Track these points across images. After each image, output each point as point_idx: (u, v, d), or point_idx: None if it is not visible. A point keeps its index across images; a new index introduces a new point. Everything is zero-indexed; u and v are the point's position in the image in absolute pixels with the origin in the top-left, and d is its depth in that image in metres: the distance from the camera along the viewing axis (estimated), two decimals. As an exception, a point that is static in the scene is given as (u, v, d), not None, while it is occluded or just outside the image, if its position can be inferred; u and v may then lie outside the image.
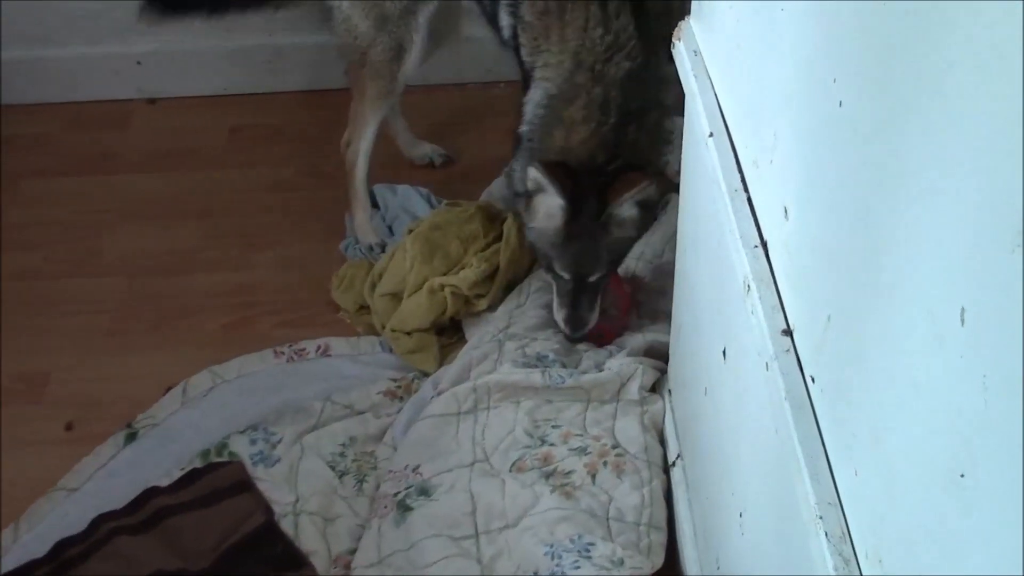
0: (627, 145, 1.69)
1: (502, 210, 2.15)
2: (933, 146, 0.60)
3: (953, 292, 0.57)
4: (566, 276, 1.82)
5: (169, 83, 2.74)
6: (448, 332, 2.07)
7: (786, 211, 0.88)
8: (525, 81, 1.84)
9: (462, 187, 2.39)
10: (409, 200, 2.28)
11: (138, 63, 2.72)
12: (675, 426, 1.66)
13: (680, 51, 1.24)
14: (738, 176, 1.03)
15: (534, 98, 1.76)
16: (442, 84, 2.68)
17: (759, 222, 0.98)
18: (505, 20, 1.84)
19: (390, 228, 2.27)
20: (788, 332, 0.89)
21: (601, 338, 1.91)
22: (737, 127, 1.07)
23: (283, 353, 2.04)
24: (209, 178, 2.53)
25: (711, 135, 1.10)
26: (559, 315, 1.88)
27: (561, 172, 1.67)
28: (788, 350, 0.87)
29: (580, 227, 1.73)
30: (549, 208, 1.72)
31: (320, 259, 2.27)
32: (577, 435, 1.71)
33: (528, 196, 1.77)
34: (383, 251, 2.23)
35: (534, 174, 1.67)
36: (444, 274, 2.02)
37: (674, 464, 1.64)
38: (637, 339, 1.88)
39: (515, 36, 1.82)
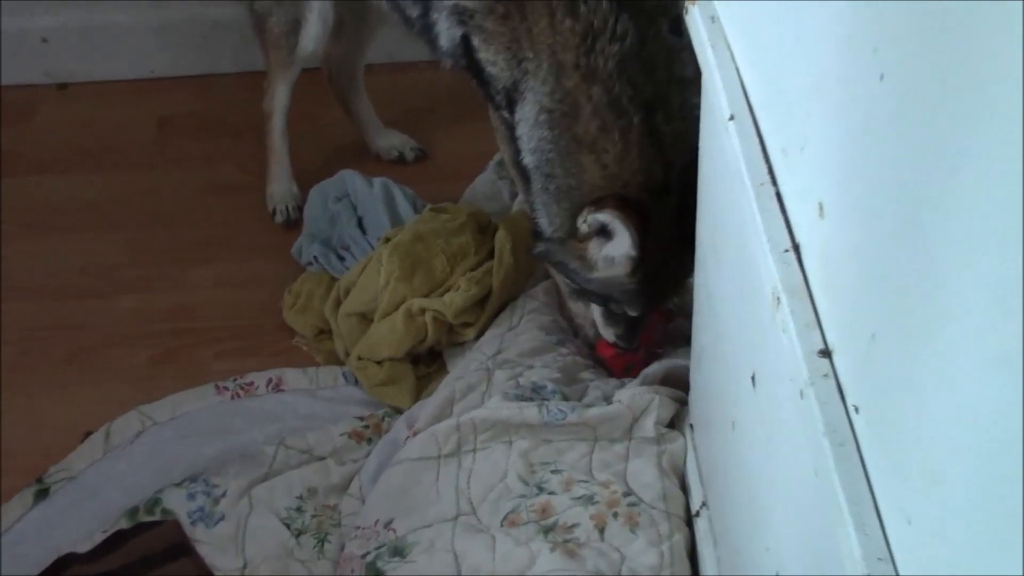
0: (670, 142, 1.68)
1: (492, 219, 2.17)
2: (997, 125, 0.60)
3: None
4: (635, 313, 1.85)
5: (83, 65, 2.74)
6: (425, 361, 2.09)
7: (821, 208, 0.88)
8: (490, 98, 1.85)
9: (438, 186, 2.40)
10: (389, 198, 2.30)
11: (44, 40, 2.71)
12: (699, 468, 1.66)
13: (694, 17, 1.25)
14: (764, 166, 1.03)
15: (526, 117, 1.74)
16: (413, 61, 2.70)
17: (790, 221, 0.98)
18: (445, 29, 1.84)
19: (360, 225, 2.28)
20: (826, 353, 0.89)
21: (629, 370, 1.93)
22: (763, 108, 1.08)
23: (226, 388, 2.05)
24: (133, 180, 2.54)
25: (732, 118, 1.10)
26: (608, 331, 1.91)
27: (634, 213, 1.65)
28: (826, 375, 0.87)
29: (659, 261, 1.72)
30: (615, 256, 1.70)
31: (269, 274, 2.28)
32: (582, 481, 1.71)
33: (566, 241, 1.75)
34: (299, 215, 2.33)
35: (606, 219, 1.64)
36: (426, 295, 2.04)
37: (698, 514, 1.63)
38: (653, 366, 1.88)
39: (467, 50, 1.81)
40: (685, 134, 1.64)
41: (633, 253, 1.67)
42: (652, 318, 1.92)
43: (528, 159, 1.77)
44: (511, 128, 1.80)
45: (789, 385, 0.92)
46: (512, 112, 1.79)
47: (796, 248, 0.97)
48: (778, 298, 0.95)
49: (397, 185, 2.33)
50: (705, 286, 1.48)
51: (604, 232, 1.67)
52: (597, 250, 1.70)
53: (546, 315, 2.09)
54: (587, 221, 1.66)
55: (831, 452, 0.83)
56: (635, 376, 1.89)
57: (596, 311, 1.93)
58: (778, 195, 1.02)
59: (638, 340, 1.91)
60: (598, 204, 1.65)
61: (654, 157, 1.66)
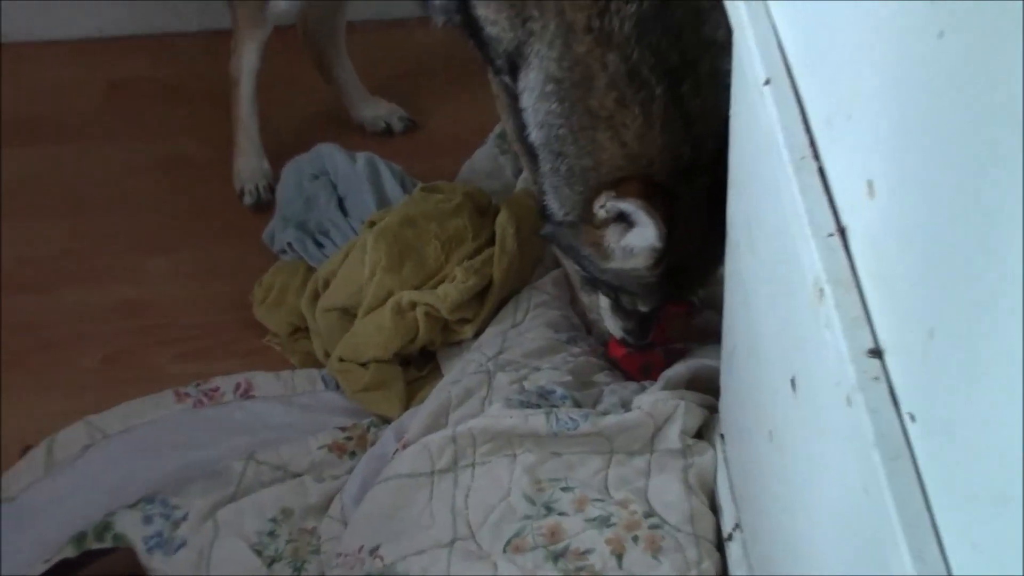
0: (698, 116, 1.67)
1: (492, 200, 2.17)
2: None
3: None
4: (647, 309, 1.85)
5: (21, 22, 2.73)
6: (417, 363, 2.10)
7: (871, 185, 0.88)
8: (490, 63, 1.85)
9: (431, 162, 2.41)
10: (375, 176, 2.31)
11: (-25, -5, 2.71)
12: (731, 485, 1.67)
13: (724, -33, 1.25)
14: (805, 138, 1.03)
15: (532, 86, 1.74)
16: (401, 19, 2.71)
17: (835, 201, 0.98)
18: None
19: (341, 207, 2.29)
20: (877, 353, 0.89)
21: (647, 371, 1.94)
22: (804, 71, 1.07)
23: (187, 395, 2.06)
24: (79, 154, 2.54)
25: (767, 82, 1.10)
26: (616, 326, 1.92)
27: (660, 198, 1.64)
28: (877, 378, 0.87)
29: (685, 252, 1.72)
30: (635, 247, 1.70)
31: (236, 263, 2.29)
32: (596, 500, 1.71)
33: (579, 226, 1.75)
34: (270, 195, 2.35)
35: (628, 207, 1.64)
36: (417, 287, 2.05)
37: (730, 538, 1.64)
38: (677, 367, 1.89)
39: (463, 5, 1.81)
40: (716, 107, 1.63)
41: (658, 245, 1.67)
42: (668, 311, 1.93)
43: (535, 135, 1.76)
44: (514, 97, 1.80)
45: (834, 390, 0.93)
46: (515, 79, 1.79)
47: (842, 232, 0.97)
48: (821, 289, 0.95)
49: (383, 161, 2.33)
50: (738, 275, 1.48)
51: (624, 219, 1.67)
52: (615, 239, 1.70)
53: (555, 310, 2.09)
54: (605, 207, 1.66)
55: (883, 467, 0.83)
56: (655, 378, 1.90)
57: (602, 301, 1.94)
58: (821, 171, 1.02)
59: (649, 337, 1.92)
60: (619, 188, 1.64)
61: (681, 133, 1.66)
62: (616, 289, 1.85)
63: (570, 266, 2.03)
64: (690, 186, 1.67)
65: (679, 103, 1.66)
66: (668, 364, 1.92)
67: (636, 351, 1.95)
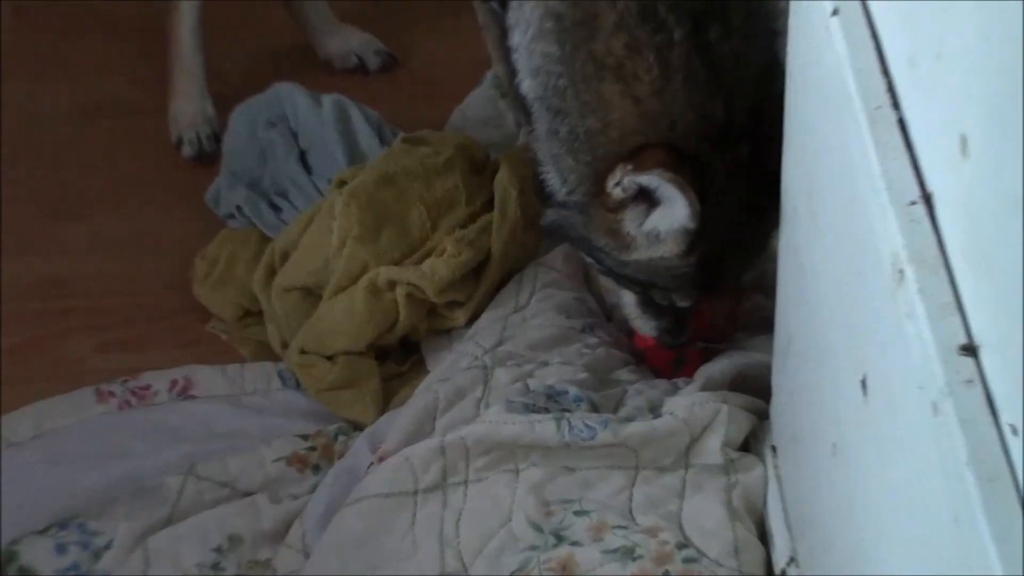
0: (730, 67, 1.66)
1: (490, 154, 2.17)
2: None
3: None
4: (686, 304, 1.85)
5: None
6: (396, 356, 2.10)
7: (965, 142, 0.88)
8: None
9: (414, 107, 2.42)
10: (345, 124, 2.30)
11: None
12: (784, 509, 1.67)
13: None
14: (883, 83, 1.03)
15: (527, 20, 1.73)
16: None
17: (918, 162, 0.98)
18: None
19: (303, 161, 2.29)
20: (970, 349, 0.88)
21: (680, 365, 1.94)
22: (881, -2, 1.07)
23: (112, 394, 2.06)
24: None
25: (835, 12, 1.10)
26: (646, 325, 1.93)
27: (689, 170, 1.63)
28: (971, 380, 0.87)
29: (724, 234, 1.72)
30: (662, 231, 1.70)
31: (173, 231, 2.30)
32: (618, 527, 1.71)
33: (589, 208, 1.75)
34: (215, 146, 2.35)
35: (651, 182, 1.63)
36: (398, 262, 2.05)
37: (784, 574, 1.64)
38: (719, 362, 1.89)
39: None
40: (753, 56, 1.64)
41: (691, 226, 1.66)
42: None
43: (527, 84, 1.76)
44: (505, 32, 1.80)
45: (917, 394, 0.92)
46: (505, 7, 1.78)
47: (927, 199, 0.96)
48: (901, 270, 0.95)
49: (356, 105, 2.32)
50: (795, 252, 1.47)
51: (646, 198, 1.66)
52: (636, 223, 1.70)
53: (567, 291, 2.09)
54: (622, 184, 1.65)
55: (977, 490, 0.82)
56: (690, 375, 1.90)
57: (627, 298, 1.93)
58: (901, 124, 1.01)
59: (688, 333, 1.92)
60: (638, 158, 1.63)
61: (709, 88, 1.65)
62: (643, 284, 1.85)
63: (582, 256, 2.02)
64: (724, 154, 1.66)
65: (705, 51, 1.65)
66: (707, 358, 1.92)
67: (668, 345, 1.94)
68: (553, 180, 1.78)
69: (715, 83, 1.65)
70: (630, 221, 1.70)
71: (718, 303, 1.97)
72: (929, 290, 0.92)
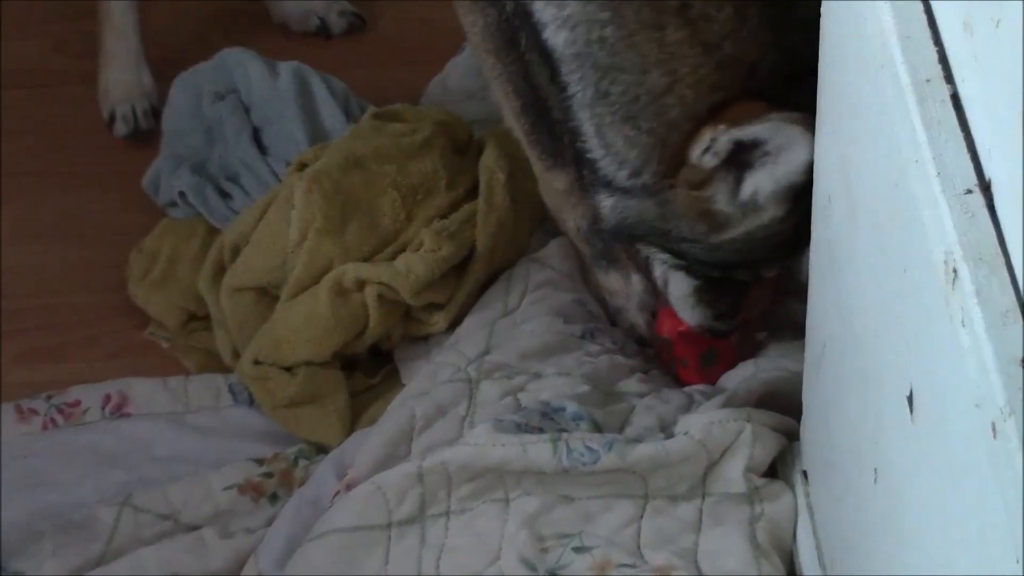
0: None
1: (474, 132, 2.17)
2: None
3: None
4: (771, 273, 1.87)
5: None
6: (365, 367, 2.11)
7: (1030, 121, 0.88)
8: None
9: (385, 76, 2.41)
10: (306, 97, 2.30)
11: None
12: (817, 544, 1.67)
13: None
14: (933, 52, 1.03)
15: None
16: None
17: (975, 144, 0.98)
18: None
19: (257, 140, 2.29)
20: (1035, 361, 0.89)
21: (711, 361, 1.96)
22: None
23: (35, 412, 2.05)
24: None
25: (878, -30, 1.11)
26: (701, 313, 1.92)
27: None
28: (1036, 396, 0.87)
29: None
30: (763, 193, 1.70)
31: (106, 221, 2.30)
32: (625, 565, 1.72)
33: (666, 191, 1.74)
34: (154, 123, 2.34)
35: (765, 132, 1.62)
36: (367, 258, 2.05)
37: (816, 620, 1.64)
38: (744, 370, 1.90)
39: None
40: None
41: (802, 178, 1.64)
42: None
43: (559, 37, 1.74)
44: None
45: (973, 413, 0.93)
46: None
47: (985, 188, 0.97)
48: (954, 269, 0.95)
49: (318, 74, 2.32)
50: (829, 249, 1.48)
51: (736, 163, 1.66)
52: (730, 194, 1.71)
53: (564, 291, 2.09)
54: (714, 148, 1.66)
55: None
56: (718, 374, 1.92)
57: (680, 285, 1.92)
58: (955, 99, 1.02)
59: (741, 315, 1.93)
60: (728, 116, 1.64)
61: (788, 18, 1.66)
62: (732, 266, 1.85)
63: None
64: (804, 95, 1.61)
65: None
66: (739, 356, 1.94)
67: (704, 335, 1.95)
68: (605, 161, 1.78)
69: (792, 13, 1.66)
70: (723, 194, 1.71)
71: (764, 291, 1.97)
72: (987, 293, 0.92)
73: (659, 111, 1.69)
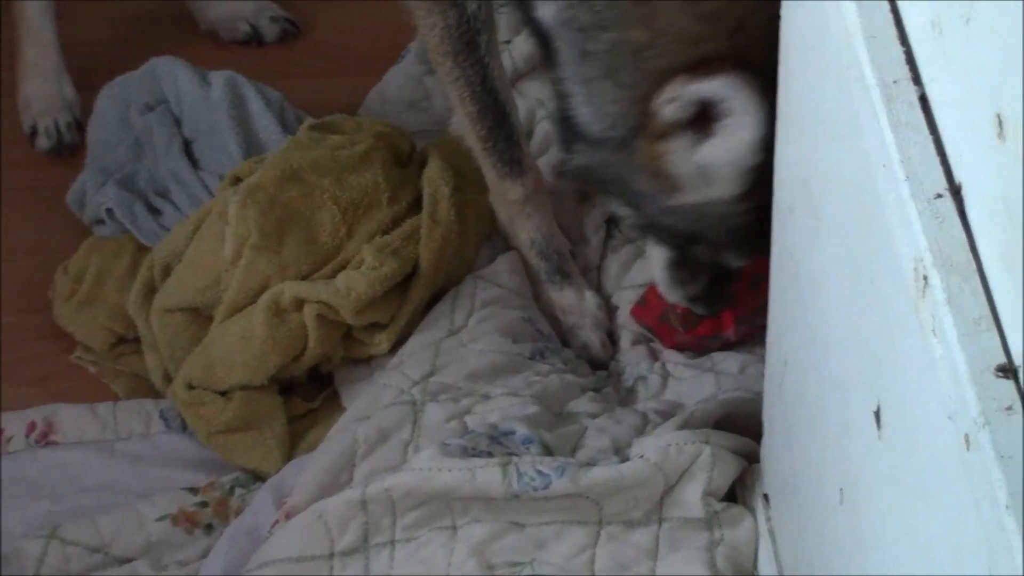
0: None
1: (416, 144, 2.17)
2: None
3: None
4: (741, 262, 1.87)
5: None
6: (304, 391, 2.10)
7: (1001, 123, 0.89)
8: None
9: (323, 86, 2.40)
10: (240, 108, 2.29)
11: None
12: (779, 570, 1.68)
13: None
14: (900, 52, 1.04)
15: None
16: None
17: (944, 147, 0.99)
18: None
19: (189, 153, 2.28)
20: (1010, 371, 0.89)
21: (715, 335, 1.98)
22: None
23: (-46, 440, 2.03)
24: None
25: (842, -33, 1.11)
26: (676, 291, 1.96)
27: (760, 85, 1.61)
28: (1011, 408, 0.88)
29: None
30: (715, 164, 1.70)
31: (27, 239, 2.29)
32: (578, 595, 1.72)
33: (630, 142, 1.75)
34: (79, 136, 2.33)
35: (714, 91, 1.62)
36: (306, 276, 2.05)
37: (781, 650, 1.65)
38: (702, 383, 1.92)
39: None
40: None
41: (752, 159, 1.66)
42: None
43: (548, 8, 1.75)
44: None
45: (945, 426, 0.93)
46: None
47: (956, 193, 0.97)
48: (925, 277, 0.96)
49: (252, 83, 2.32)
50: (791, 259, 1.48)
51: (701, 125, 1.67)
52: (686, 155, 1.71)
53: (513, 309, 2.09)
54: (677, 98, 1.66)
55: (1020, 540, 0.83)
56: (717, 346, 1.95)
57: (659, 256, 1.94)
58: (924, 101, 1.02)
59: (726, 302, 1.94)
60: (698, 69, 1.63)
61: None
62: (687, 238, 1.86)
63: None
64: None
65: None
66: (740, 338, 1.97)
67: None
68: (586, 114, 1.78)
69: None
70: (679, 153, 1.71)
71: (741, 288, 1.98)
72: (959, 300, 0.93)
73: (639, 65, 1.70)
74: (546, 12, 1.74)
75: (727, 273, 1.89)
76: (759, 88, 1.60)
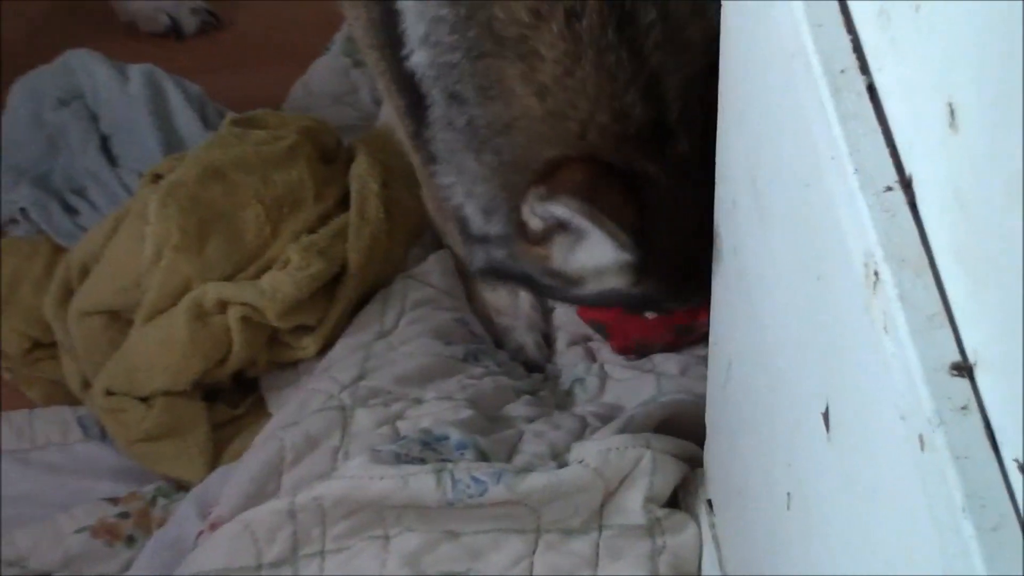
0: (658, 43, 1.64)
1: (342, 139, 2.16)
2: None
3: None
4: (675, 309, 1.89)
5: None
6: (229, 397, 2.10)
7: (952, 112, 0.88)
8: None
9: (243, 79, 2.39)
10: (159, 103, 2.29)
11: None
12: (724, 578, 1.67)
13: None
14: (847, 40, 1.04)
15: None
16: None
17: (894, 138, 0.99)
18: None
19: (107, 150, 2.26)
20: (964, 368, 0.89)
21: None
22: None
23: None
24: None
25: (785, -50, 1.11)
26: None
27: (616, 188, 1.62)
28: (965, 407, 0.88)
29: (682, 250, 1.70)
30: (601, 264, 1.70)
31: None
32: (516, 605, 1.72)
33: (513, 241, 1.75)
34: None
35: (563, 213, 1.62)
36: (229, 277, 2.04)
37: (725, 660, 1.65)
38: (641, 385, 1.93)
39: None
40: (683, 24, 1.62)
41: (628, 258, 1.66)
42: None
43: (418, 57, 1.73)
44: None
45: (897, 426, 0.93)
46: None
47: (906, 185, 0.97)
48: (875, 272, 0.96)
49: (172, 77, 2.32)
50: (735, 256, 1.48)
51: (568, 228, 1.66)
52: (567, 255, 1.70)
53: (444, 310, 2.09)
54: (536, 211, 1.65)
55: (977, 543, 0.83)
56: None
57: None
58: (871, 90, 1.02)
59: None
60: (552, 180, 1.62)
61: (627, 72, 1.63)
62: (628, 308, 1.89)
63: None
64: (662, 156, 1.65)
65: (623, 20, 1.63)
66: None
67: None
68: (466, 205, 1.78)
69: (636, 63, 1.63)
70: (560, 256, 1.70)
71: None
72: (911, 297, 0.93)
73: (496, 148, 1.70)
74: (420, 64, 1.72)
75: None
76: (610, 202, 1.59)
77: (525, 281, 1.84)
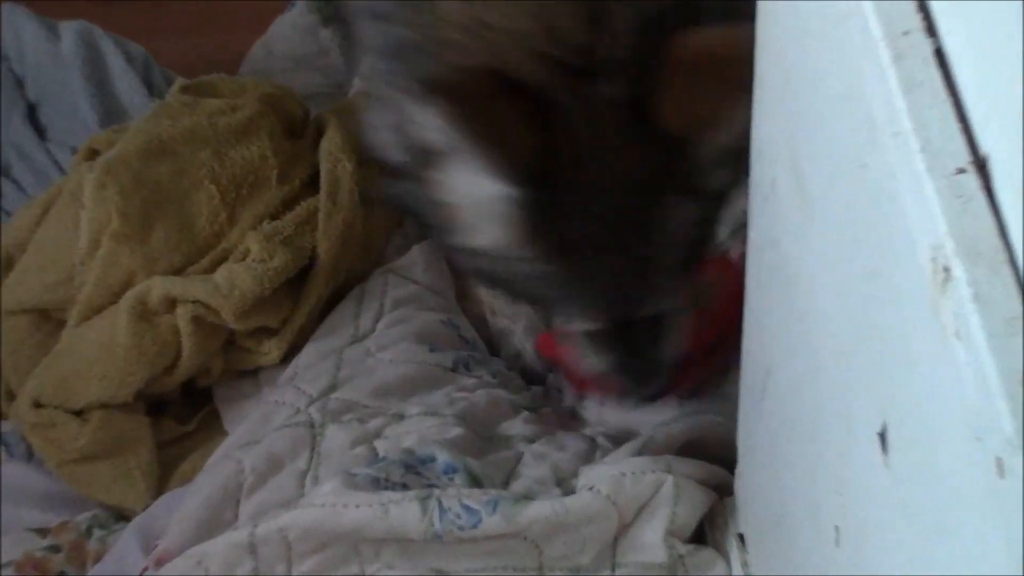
0: None
1: (310, 108, 2.17)
2: None
3: None
4: (592, 326, 1.86)
5: None
6: (178, 411, 2.10)
7: (1039, 81, 0.89)
8: None
9: (194, 39, 2.40)
10: (97, 66, 2.30)
11: None
12: (759, 626, 1.68)
13: None
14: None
15: None
16: None
17: (966, 113, 0.99)
18: None
19: (33, 120, 2.29)
20: (1050, 381, 0.90)
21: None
22: None
23: None
24: None
25: None
26: (591, 360, 1.92)
27: (511, 111, 1.62)
28: (1052, 425, 0.88)
29: (588, 224, 1.70)
30: (474, 200, 1.70)
31: None
32: (513, 657, 1.73)
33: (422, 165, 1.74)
34: None
35: (437, 123, 1.61)
36: (179, 270, 2.05)
37: None
38: (664, 410, 1.93)
39: None
40: None
41: (510, 192, 1.64)
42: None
43: None
44: None
45: (971, 448, 0.93)
46: None
47: (981, 166, 0.98)
48: (945, 268, 0.96)
49: (111, 37, 2.32)
50: (773, 248, 1.49)
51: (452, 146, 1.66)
52: (445, 180, 1.70)
53: (431, 310, 2.10)
54: (416, 120, 1.66)
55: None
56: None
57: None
58: (939, 55, 1.03)
59: (662, 387, 1.93)
60: (445, 88, 1.62)
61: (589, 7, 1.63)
62: (520, 295, 1.88)
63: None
64: (586, 90, 1.62)
65: None
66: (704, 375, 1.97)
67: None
68: (380, 129, 1.78)
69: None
70: (441, 180, 1.70)
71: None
72: (988, 297, 0.93)
73: (409, 69, 1.69)
74: None
75: (649, 348, 1.87)
76: (515, 111, 1.59)
77: (420, 220, 1.84)
